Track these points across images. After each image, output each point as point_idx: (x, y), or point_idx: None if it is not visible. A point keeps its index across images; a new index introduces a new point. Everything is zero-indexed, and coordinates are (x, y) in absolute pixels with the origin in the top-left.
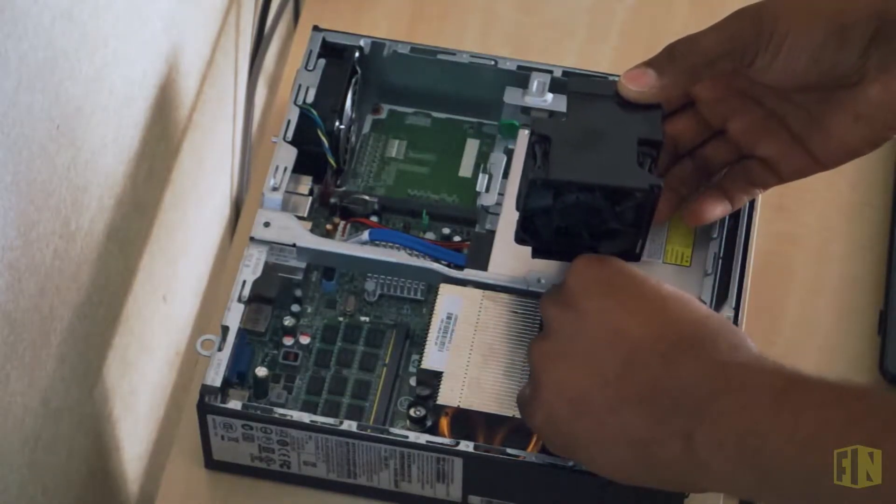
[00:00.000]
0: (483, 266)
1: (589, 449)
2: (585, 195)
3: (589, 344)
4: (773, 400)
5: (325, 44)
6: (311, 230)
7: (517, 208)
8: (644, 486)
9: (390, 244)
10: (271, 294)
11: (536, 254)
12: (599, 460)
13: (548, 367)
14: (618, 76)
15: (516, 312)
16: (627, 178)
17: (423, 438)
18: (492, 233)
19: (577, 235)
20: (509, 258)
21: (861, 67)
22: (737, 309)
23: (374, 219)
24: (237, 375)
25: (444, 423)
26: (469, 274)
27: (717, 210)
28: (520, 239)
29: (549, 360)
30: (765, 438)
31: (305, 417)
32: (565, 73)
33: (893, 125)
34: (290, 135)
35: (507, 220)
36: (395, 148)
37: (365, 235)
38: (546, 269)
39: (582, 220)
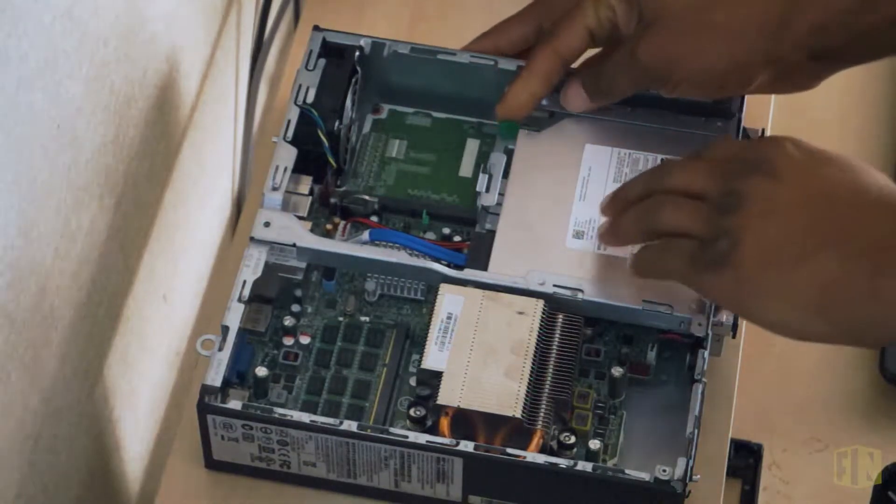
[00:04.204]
0: (483, 266)
1: (768, 301)
2: None
3: (790, 204)
4: None
5: (325, 44)
6: (311, 230)
7: None
8: (816, 339)
9: (390, 244)
10: (271, 294)
11: None
12: (777, 313)
13: (753, 227)
14: None
15: (516, 312)
16: None
17: (423, 438)
18: (492, 233)
19: None
20: (509, 258)
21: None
22: None
23: (374, 219)
24: (237, 375)
25: (444, 423)
26: (469, 274)
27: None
28: None
29: (753, 221)
30: None
31: (305, 417)
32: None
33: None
34: (290, 135)
35: (508, 220)
36: (396, 148)
37: (365, 235)
38: (546, 268)
39: None
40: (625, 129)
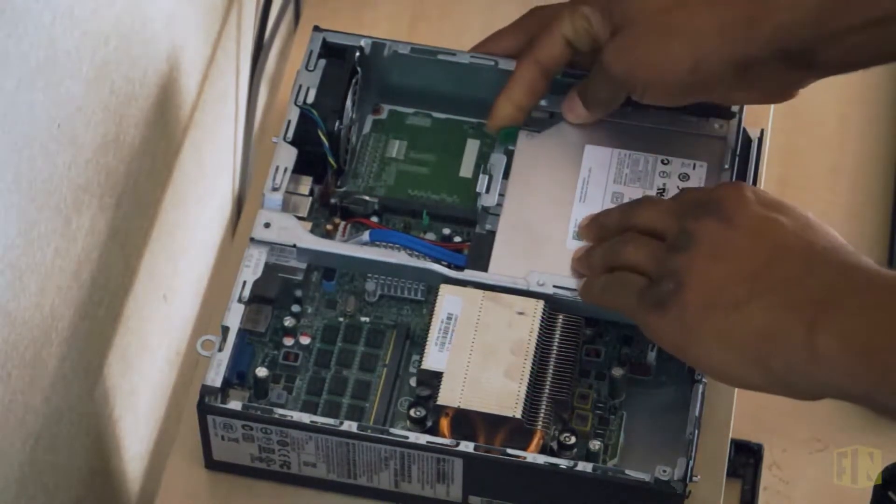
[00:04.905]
0: (483, 267)
1: (706, 345)
2: None
3: (737, 248)
4: None
5: (325, 44)
6: (312, 231)
7: None
8: (753, 388)
9: (390, 244)
10: (271, 294)
11: None
12: (714, 358)
13: (699, 270)
14: None
15: (516, 312)
16: None
17: (423, 439)
18: (492, 233)
19: None
20: (510, 259)
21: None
22: None
23: (374, 219)
24: (237, 376)
25: (444, 423)
26: (469, 274)
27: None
28: None
29: (699, 263)
30: (892, 337)
31: (305, 418)
32: (565, 74)
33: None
34: (290, 135)
35: (508, 221)
36: (396, 148)
37: (366, 236)
38: (546, 269)
39: None
40: (625, 129)
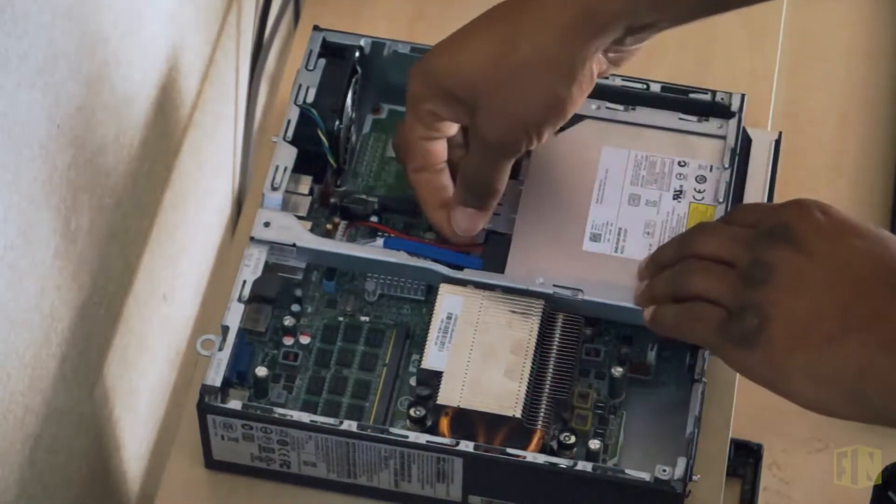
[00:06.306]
0: (500, 269)
1: (799, 382)
2: None
3: (819, 281)
4: None
5: (325, 44)
6: (311, 230)
7: None
8: (856, 420)
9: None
10: (271, 294)
11: None
12: (809, 394)
13: (782, 304)
14: (617, 76)
15: (516, 312)
16: None
17: (423, 438)
18: (507, 235)
19: None
20: (526, 260)
21: None
22: None
23: (373, 219)
24: (237, 375)
25: (444, 423)
26: (469, 274)
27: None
28: None
29: (781, 297)
30: None
31: (305, 417)
32: None
33: None
34: (290, 134)
35: (524, 223)
36: None
37: (379, 243)
38: (562, 271)
39: None
40: (641, 132)
